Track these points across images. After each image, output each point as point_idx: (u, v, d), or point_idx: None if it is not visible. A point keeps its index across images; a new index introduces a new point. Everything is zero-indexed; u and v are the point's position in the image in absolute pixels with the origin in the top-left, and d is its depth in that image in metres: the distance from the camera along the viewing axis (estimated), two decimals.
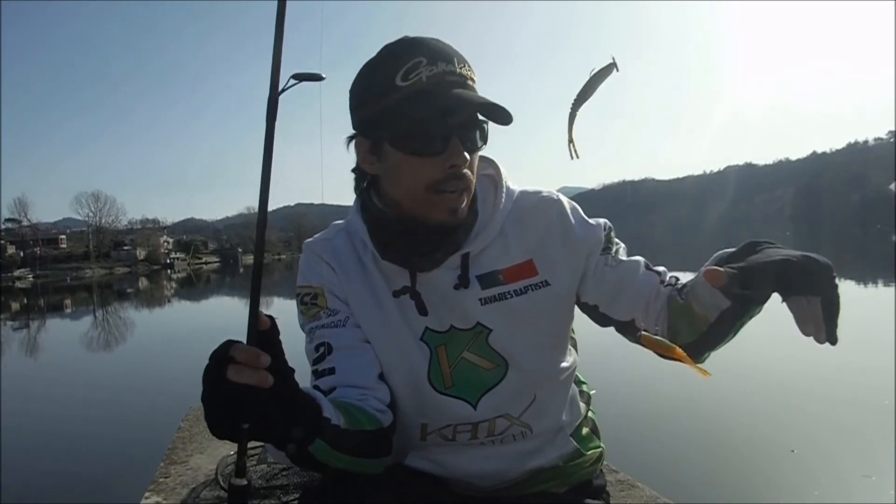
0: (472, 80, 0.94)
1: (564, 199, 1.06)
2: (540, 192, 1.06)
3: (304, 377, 0.86)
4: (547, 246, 1.02)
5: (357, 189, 1.06)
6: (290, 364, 0.76)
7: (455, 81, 0.91)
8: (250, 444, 0.72)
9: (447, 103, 0.89)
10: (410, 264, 0.99)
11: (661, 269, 1.03)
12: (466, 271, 0.99)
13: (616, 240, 1.05)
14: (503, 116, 0.92)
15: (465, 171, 0.93)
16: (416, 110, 0.90)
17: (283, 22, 0.74)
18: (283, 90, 0.74)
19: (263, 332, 0.71)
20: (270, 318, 0.72)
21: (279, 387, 0.69)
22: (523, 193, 1.06)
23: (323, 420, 0.80)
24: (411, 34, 0.96)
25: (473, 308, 1.00)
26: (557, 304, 1.02)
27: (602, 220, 1.06)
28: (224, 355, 0.67)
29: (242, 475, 0.70)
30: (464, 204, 0.95)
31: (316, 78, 0.78)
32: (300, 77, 0.76)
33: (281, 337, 0.75)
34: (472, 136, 0.93)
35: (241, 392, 0.67)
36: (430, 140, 0.91)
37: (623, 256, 1.04)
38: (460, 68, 0.92)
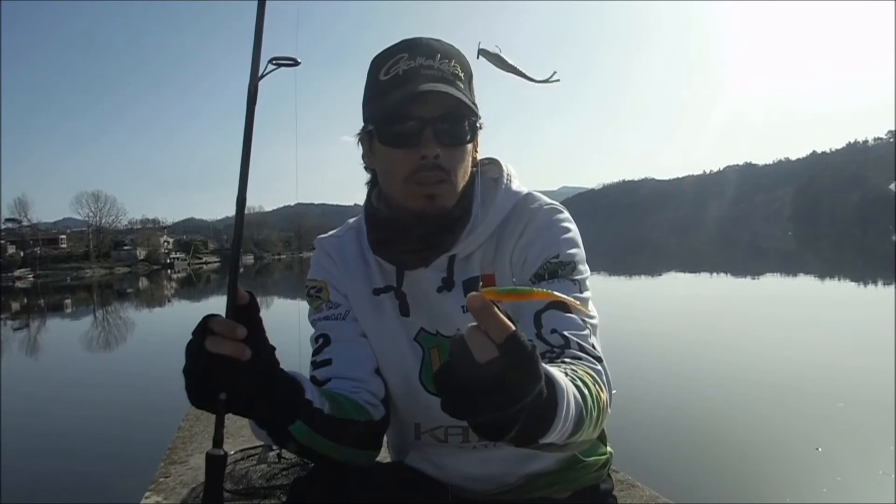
0: (457, 75, 0.94)
1: (545, 213, 1.01)
2: (539, 199, 1.03)
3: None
4: (506, 258, 1.00)
5: (368, 186, 1.08)
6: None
7: (430, 75, 0.92)
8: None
9: (413, 92, 0.90)
10: (398, 261, 1.01)
11: (570, 334, 0.86)
12: (451, 274, 0.99)
13: (573, 276, 0.95)
14: (464, 109, 0.92)
15: (442, 163, 0.92)
16: (389, 101, 0.92)
17: (263, 10, 0.76)
18: (263, 75, 0.76)
19: (242, 307, 0.72)
20: (250, 293, 0.73)
21: (257, 360, 0.70)
22: (526, 198, 1.03)
23: (304, 401, 0.81)
24: (414, 35, 0.98)
25: (456, 314, 0.99)
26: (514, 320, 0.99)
27: (570, 253, 0.97)
28: (203, 327, 0.69)
29: (220, 446, 0.72)
30: (444, 192, 0.94)
31: (292, 62, 0.79)
32: (278, 62, 0.77)
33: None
34: (452, 129, 0.92)
35: (218, 362, 0.67)
36: (403, 131, 0.92)
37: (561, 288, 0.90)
38: (441, 63, 0.92)
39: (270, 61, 0.77)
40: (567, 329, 0.86)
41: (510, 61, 0.91)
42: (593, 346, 0.86)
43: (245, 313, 0.72)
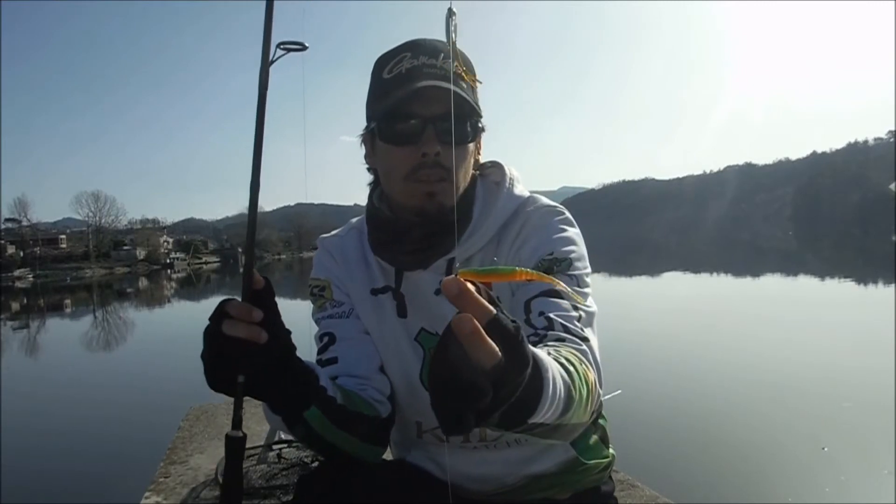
0: (460, 76, 0.94)
1: (541, 214, 1.00)
2: (538, 201, 1.03)
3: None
4: (503, 262, 0.99)
5: (370, 187, 1.08)
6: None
7: (433, 73, 0.92)
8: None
9: (413, 89, 0.90)
10: (397, 263, 1.01)
11: (556, 316, 0.84)
12: None
13: (569, 272, 0.94)
14: (466, 108, 0.92)
15: (442, 161, 0.92)
16: (391, 99, 0.92)
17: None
18: (273, 61, 0.77)
19: (258, 291, 0.72)
20: (265, 278, 0.73)
21: (273, 343, 0.71)
22: (527, 201, 1.03)
23: (319, 388, 0.81)
24: (414, 34, 0.98)
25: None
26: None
27: (564, 250, 0.95)
28: (220, 311, 0.69)
29: (239, 427, 0.72)
30: (444, 190, 0.94)
31: (300, 47, 0.80)
32: (286, 46, 0.78)
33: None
34: (455, 127, 0.92)
35: (235, 345, 0.68)
36: (405, 129, 0.93)
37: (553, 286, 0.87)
38: (444, 62, 0.92)
39: (279, 46, 0.77)
40: (552, 311, 0.86)
41: (454, 37, 0.86)
42: (580, 329, 0.85)
43: (261, 297, 0.72)
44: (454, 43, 0.82)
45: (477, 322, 0.48)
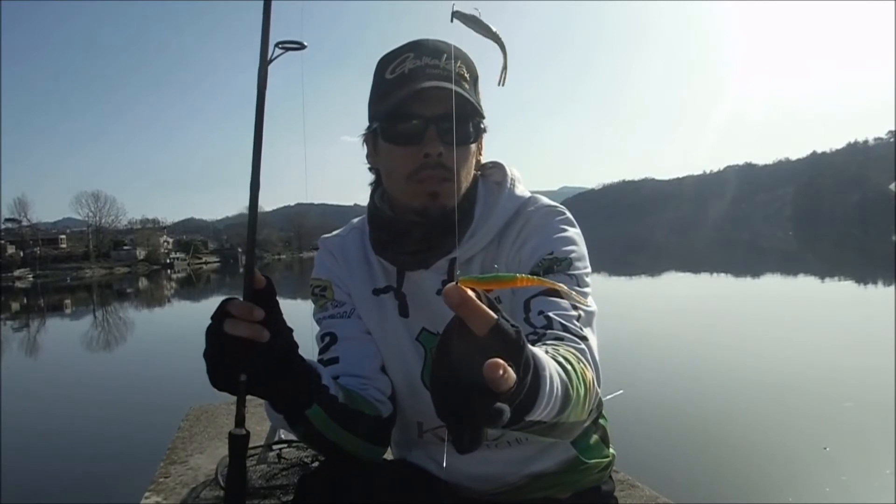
0: (463, 76, 0.94)
1: (542, 214, 1.00)
2: (539, 201, 1.03)
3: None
4: (504, 262, 1.00)
5: (371, 186, 1.09)
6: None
7: (436, 74, 0.92)
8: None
9: (416, 89, 0.90)
10: (399, 262, 1.01)
11: (554, 315, 0.85)
12: (452, 277, 0.99)
13: (569, 272, 0.94)
14: (468, 108, 0.92)
15: (444, 161, 0.92)
16: (393, 99, 0.92)
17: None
18: (272, 59, 0.77)
19: (259, 291, 0.72)
20: (267, 277, 0.73)
21: (275, 341, 0.71)
22: (528, 201, 1.03)
23: (321, 386, 0.82)
24: (413, 34, 0.99)
25: None
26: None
27: (565, 250, 0.96)
28: (221, 310, 0.69)
29: (242, 425, 0.73)
30: (446, 191, 0.94)
31: (298, 45, 0.80)
32: (285, 45, 0.78)
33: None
34: (456, 127, 0.92)
35: (237, 344, 0.68)
36: (407, 129, 0.93)
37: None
38: (447, 63, 0.93)
39: (277, 45, 0.77)
40: (552, 310, 0.86)
41: (493, 29, 0.83)
42: (580, 328, 0.85)
43: (262, 296, 0.72)
44: (497, 36, 0.82)
45: (504, 363, 0.48)
